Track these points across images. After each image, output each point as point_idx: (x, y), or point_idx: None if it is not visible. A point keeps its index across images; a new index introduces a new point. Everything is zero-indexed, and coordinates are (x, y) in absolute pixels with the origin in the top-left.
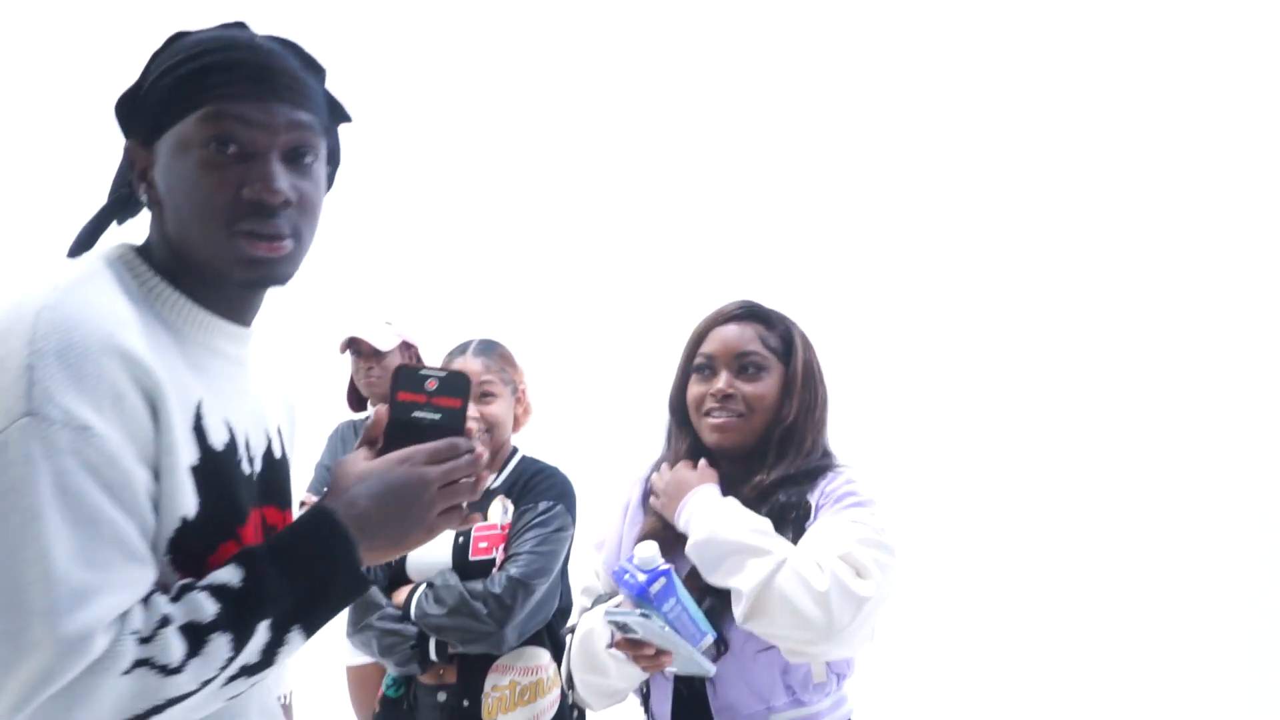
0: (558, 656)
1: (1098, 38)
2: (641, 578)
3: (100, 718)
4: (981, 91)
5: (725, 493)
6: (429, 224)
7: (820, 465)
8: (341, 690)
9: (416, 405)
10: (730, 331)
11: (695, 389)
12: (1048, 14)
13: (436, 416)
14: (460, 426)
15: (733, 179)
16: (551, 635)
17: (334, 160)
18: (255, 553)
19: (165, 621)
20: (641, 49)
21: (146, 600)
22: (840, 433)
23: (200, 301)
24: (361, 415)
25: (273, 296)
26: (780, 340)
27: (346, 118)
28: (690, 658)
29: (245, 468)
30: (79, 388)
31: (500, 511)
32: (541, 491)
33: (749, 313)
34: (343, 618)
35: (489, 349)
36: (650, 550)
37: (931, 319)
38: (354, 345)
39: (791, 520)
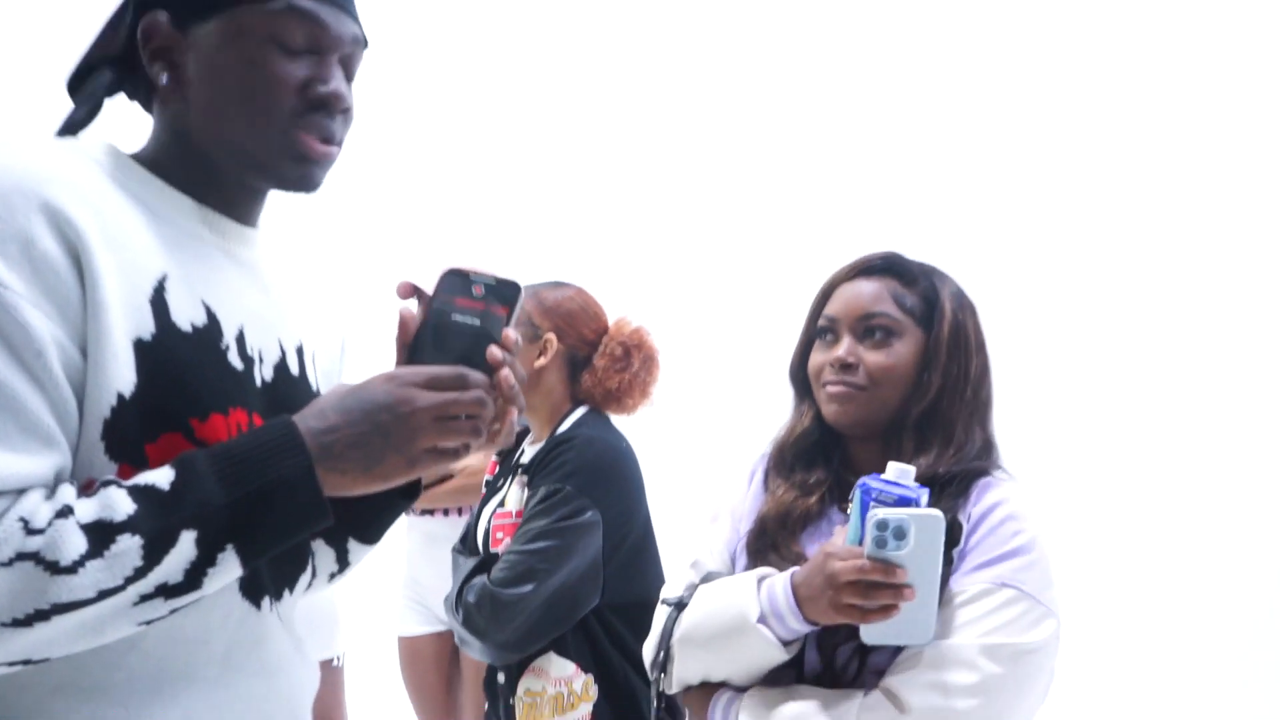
0: (597, 665)
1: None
2: (912, 490)
3: None
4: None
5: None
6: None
7: (975, 467)
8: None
9: (457, 308)
10: (856, 289)
11: (816, 356)
12: None
13: (475, 322)
14: (497, 334)
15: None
16: (590, 641)
17: None
18: (194, 456)
19: (64, 513)
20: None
21: (52, 492)
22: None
23: (186, 191)
24: None
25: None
26: (921, 299)
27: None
28: (926, 610)
29: (235, 361)
30: None
31: (517, 494)
32: (552, 470)
33: (882, 266)
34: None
35: (527, 286)
36: (907, 468)
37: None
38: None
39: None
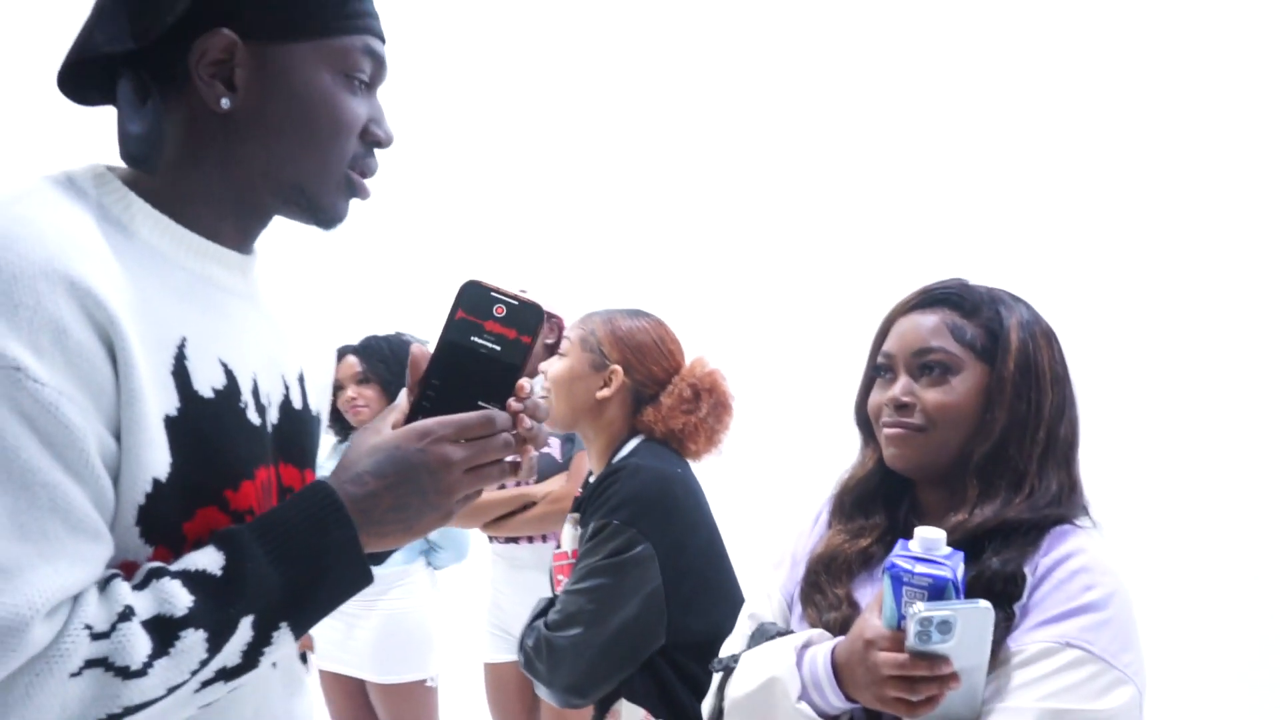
0: (666, 706)
1: None
2: (945, 567)
3: None
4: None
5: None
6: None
7: (1050, 515)
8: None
9: (477, 329)
10: (913, 322)
11: (875, 395)
12: None
13: (496, 348)
14: (520, 364)
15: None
16: (658, 683)
17: None
18: (240, 535)
19: (127, 614)
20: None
21: (105, 587)
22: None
23: (195, 228)
24: None
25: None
26: (983, 331)
27: None
28: (972, 688)
29: (253, 417)
30: (9, 320)
31: (570, 534)
32: (600, 503)
33: (940, 297)
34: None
35: (602, 311)
36: (936, 535)
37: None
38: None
39: (1000, 596)
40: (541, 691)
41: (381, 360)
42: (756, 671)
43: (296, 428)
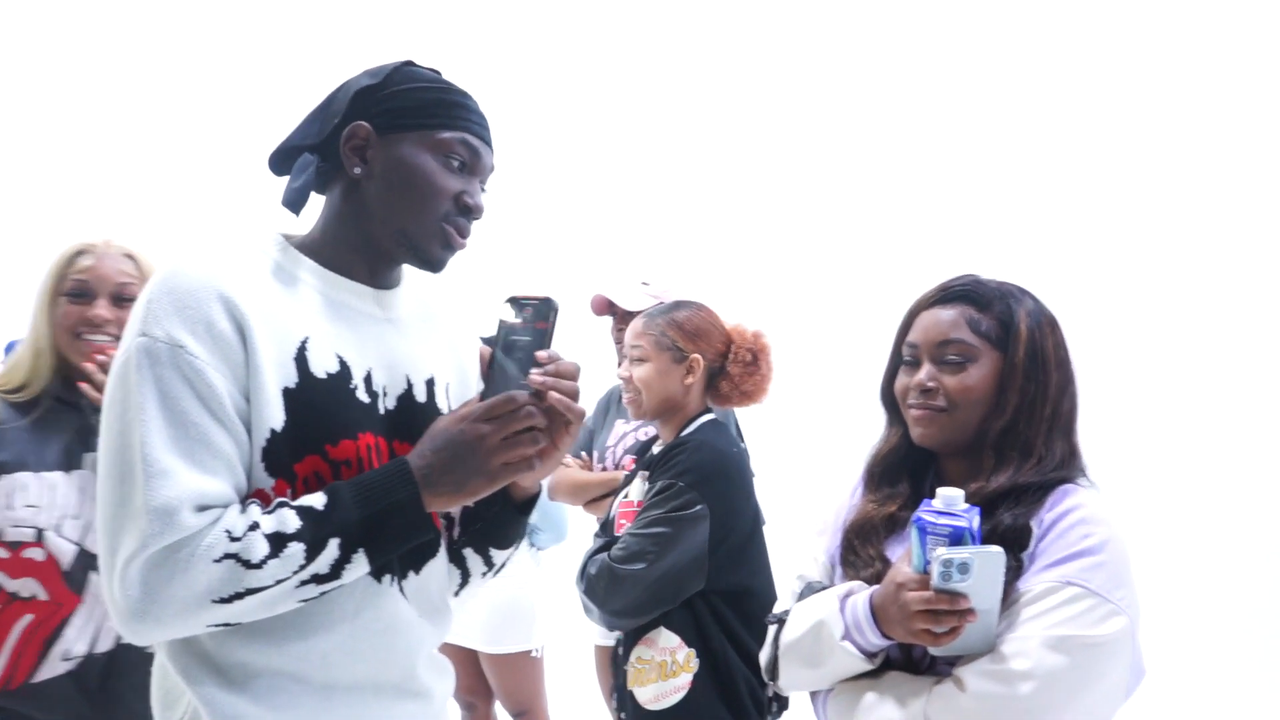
0: (700, 641)
1: None
2: (963, 518)
3: (195, 591)
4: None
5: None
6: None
7: (1054, 478)
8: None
9: (515, 329)
10: (934, 316)
11: (901, 380)
12: None
13: (528, 338)
14: (543, 344)
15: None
16: (696, 620)
17: None
18: (340, 486)
19: (255, 527)
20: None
21: (244, 508)
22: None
23: (332, 267)
24: None
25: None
26: (996, 322)
27: None
28: (987, 625)
29: (363, 397)
30: (180, 316)
31: (639, 487)
32: (669, 467)
33: (958, 294)
34: None
35: (660, 312)
36: (955, 493)
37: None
38: (602, 306)
39: (1010, 545)
40: (593, 615)
41: None
42: (805, 618)
43: (413, 416)
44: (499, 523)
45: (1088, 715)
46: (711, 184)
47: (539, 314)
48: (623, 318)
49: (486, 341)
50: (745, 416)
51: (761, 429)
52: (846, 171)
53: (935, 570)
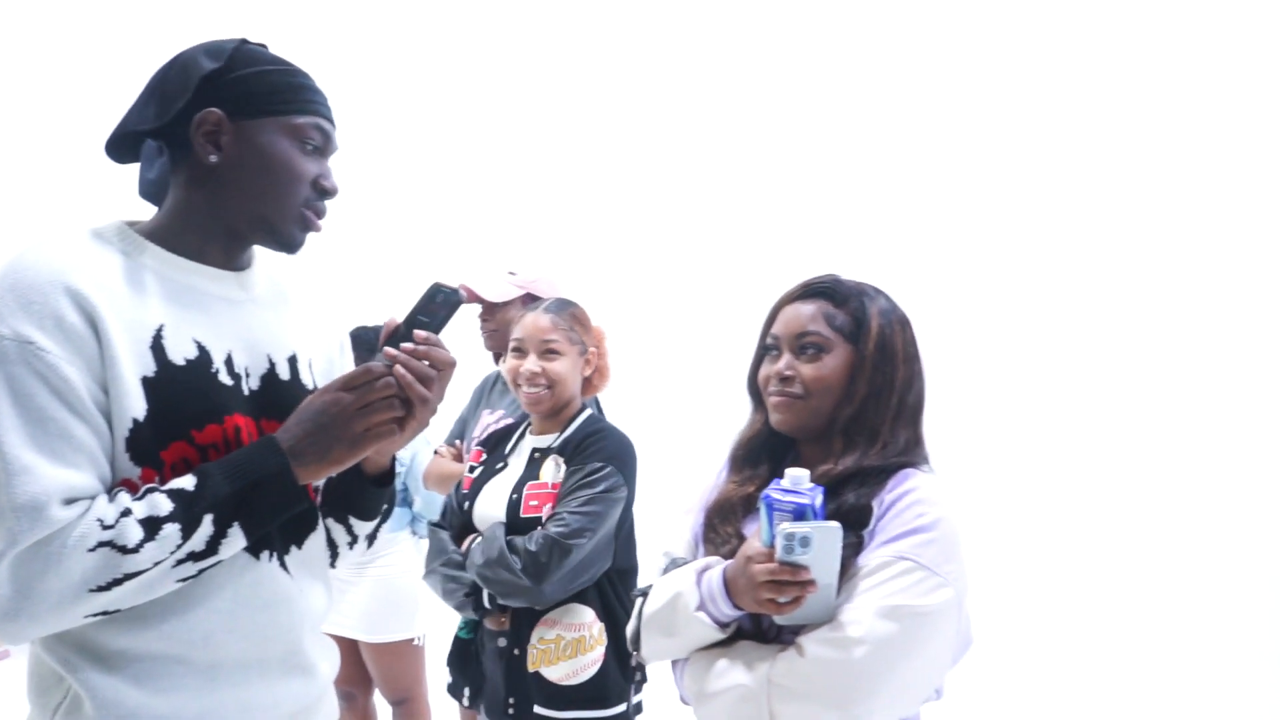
0: (606, 616)
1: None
2: (806, 496)
3: (72, 583)
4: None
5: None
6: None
7: (896, 463)
8: None
9: (421, 310)
10: (793, 311)
11: (764, 369)
12: None
13: (425, 319)
14: (434, 329)
15: (854, 141)
16: (601, 595)
17: None
18: (208, 466)
19: (127, 513)
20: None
21: (113, 497)
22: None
23: (183, 253)
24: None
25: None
26: (851, 318)
27: None
28: (827, 596)
29: (225, 380)
30: (26, 312)
31: (553, 470)
32: (594, 452)
33: (816, 290)
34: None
35: (561, 307)
36: (802, 473)
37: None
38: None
39: (853, 524)
40: (517, 596)
41: (370, 349)
42: (664, 591)
43: (278, 394)
44: (356, 494)
45: (917, 678)
46: (582, 173)
47: (446, 302)
48: (489, 309)
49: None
50: (614, 404)
51: (621, 415)
52: (725, 164)
53: (779, 544)
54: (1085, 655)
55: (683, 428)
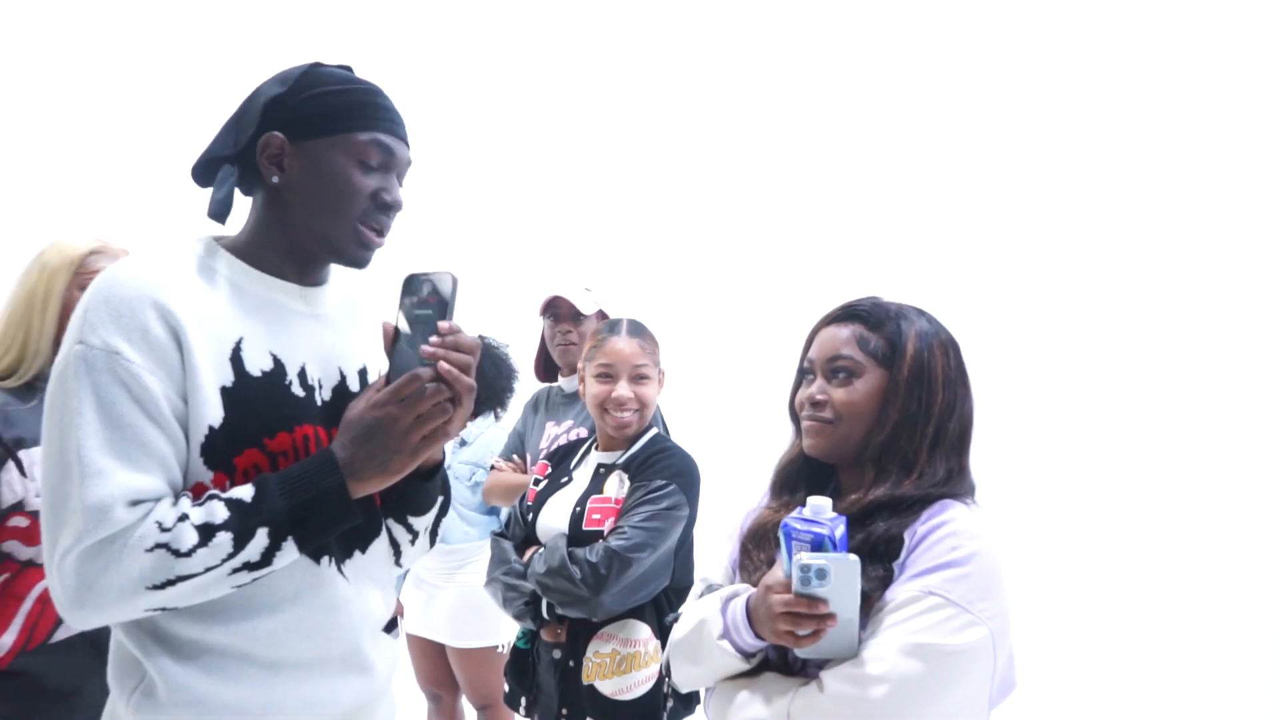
0: (662, 634)
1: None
2: (825, 526)
3: (130, 579)
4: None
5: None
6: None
7: (934, 493)
8: None
9: (415, 304)
10: (829, 334)
11: (800, 393)
12: None
13: (428, 312)
14: (441, 316)
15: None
16: (659, 613)
17: None
18: (267, 478)
19: (184, 518)
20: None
21: (175, 501)
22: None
23: (263, 269)
24: (554, 385)
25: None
26: (886, 342)
27: None
28: (849, 630)
29: (298, 391)
30: (115, 324)
31: (617, 485)
32: (658, 470)
33: (851, 313)
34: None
35: (640, 330)
36: (824, 502)
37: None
38: (553, 307)
39: (882, 556)
40: (576, 607)
41: None
42: (691, 617)
43: (348, 405)
44: (410, 493)
45: None
46: (643, 194)
47: (435, 289)
48: (575, 320)
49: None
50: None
51: (682, 436)
52: (788, 179)
53: (796, 575)
54: (1141, 703)
55: (743, 450)
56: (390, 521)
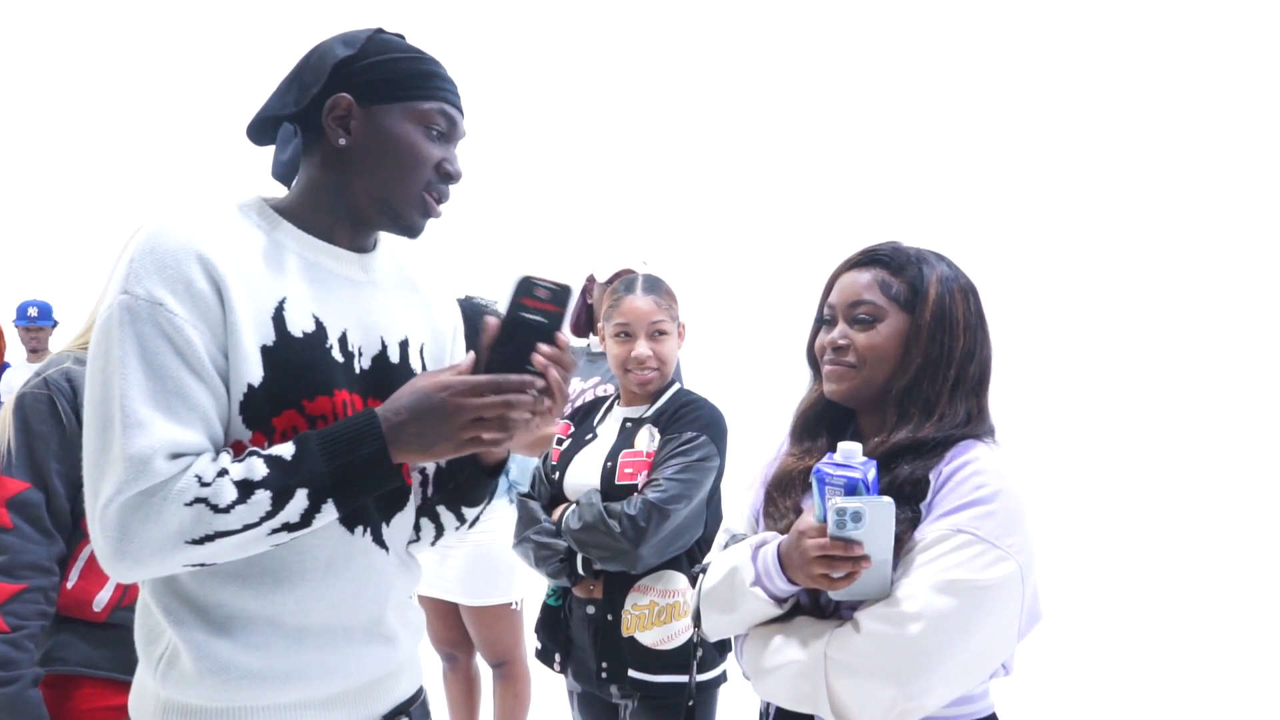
0: (690, 579)
1: None
2: (858, 470)
3: (170, 533)
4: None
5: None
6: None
7: (956, 435)
8: None
9: (527, 308)
10: (849, 279)
11: (821, 338)
12: None
13: (540, 320)
14: (558, 327)
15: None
16: (692, 562)
17: None
18: (308, 436)
19: (224, 473)
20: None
21: (216, 456)
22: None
23: (312, 231)
24: (582, 343)
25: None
26: (908, 286)
27: None
28: (883, 572)
29: (337, 356)
30: (160, 276)
31: (647, 439)
32: (688, 422)
33: (872, 258)
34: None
35: (656, 286)
36: (854, 447)
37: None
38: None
39: (908, 497)
40: (616, 560)
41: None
42: (721, 566)
43: (387, 375)
44: (471, 485)
45: (978, 654)
46: (663, 145)
47: (555, 299)
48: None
49: (495, 314)
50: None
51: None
52: (804, 130)
53: (831, 518)
54: (1162, 632)
55: (757, 401)
56: (442, 508)
